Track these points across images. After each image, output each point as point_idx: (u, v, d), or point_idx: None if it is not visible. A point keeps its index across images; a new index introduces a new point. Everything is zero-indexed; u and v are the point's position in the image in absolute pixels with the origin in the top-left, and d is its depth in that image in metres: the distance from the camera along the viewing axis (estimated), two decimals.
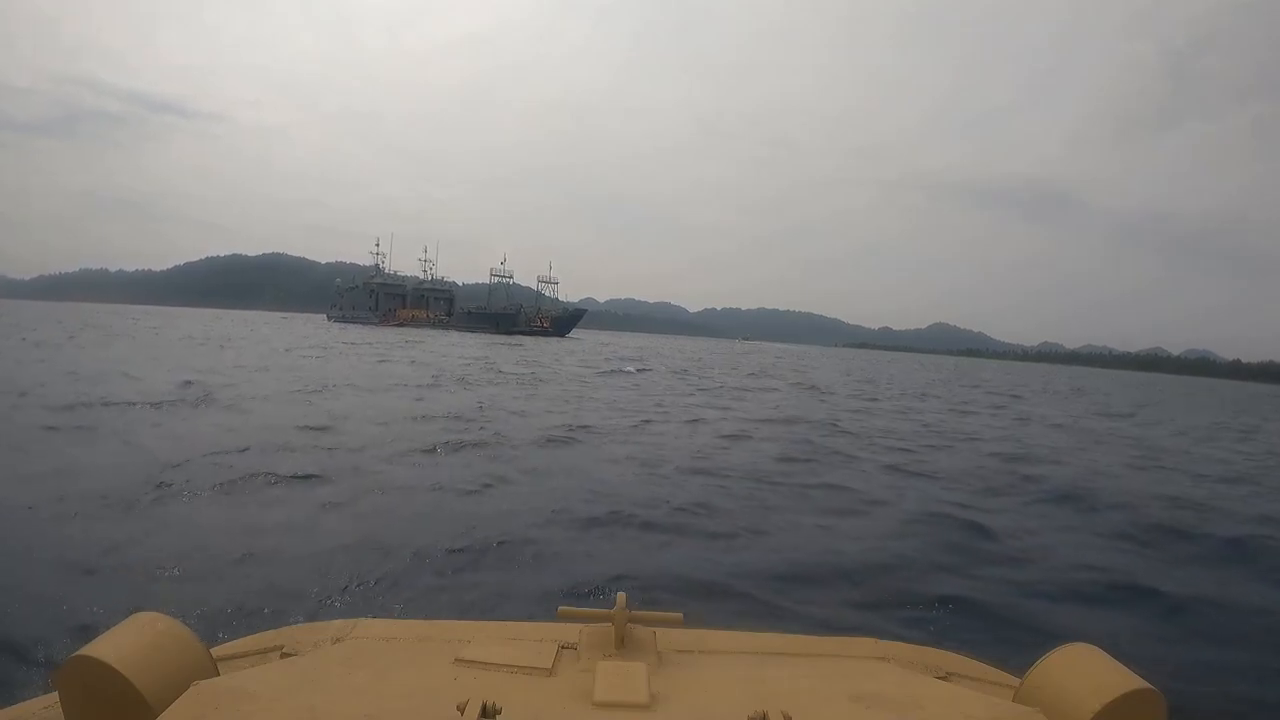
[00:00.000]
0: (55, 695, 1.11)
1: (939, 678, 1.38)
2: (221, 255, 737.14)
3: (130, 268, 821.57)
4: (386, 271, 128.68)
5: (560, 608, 1.39)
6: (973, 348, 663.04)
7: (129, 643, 1.10)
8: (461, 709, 0.99)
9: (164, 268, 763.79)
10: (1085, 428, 19.92)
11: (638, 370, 33.34)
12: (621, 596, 1.36)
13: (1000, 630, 4.53)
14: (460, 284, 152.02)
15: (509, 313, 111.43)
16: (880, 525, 7.08)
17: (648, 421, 14.15)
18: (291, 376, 19.28)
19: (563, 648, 1.34)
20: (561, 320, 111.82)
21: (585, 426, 12.70)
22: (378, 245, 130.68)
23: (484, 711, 0.99)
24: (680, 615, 1.41)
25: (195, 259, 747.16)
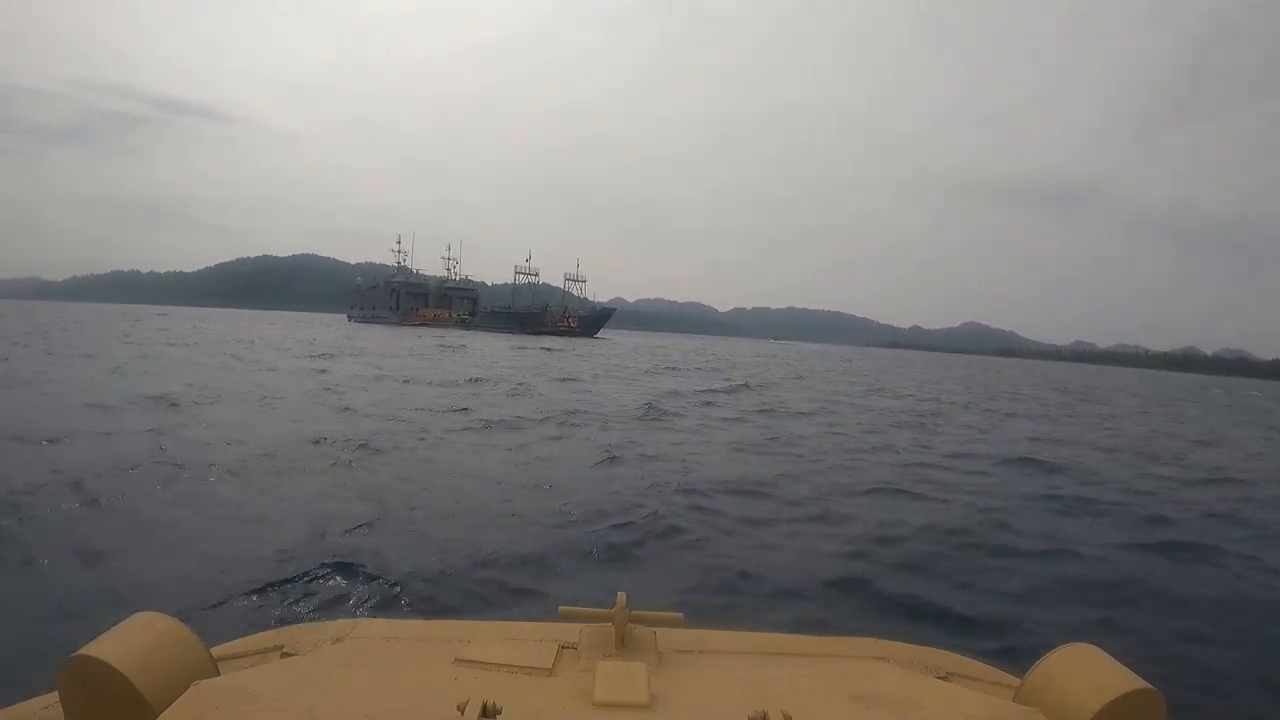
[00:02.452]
0: (55, 695, 1.11)
1: (939, 678, 1.38)
2: (252, 256, 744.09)
3: (162, 269, 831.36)
4: (408, 269, 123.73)
5: (561, 607, 1.39)
6: (1005, 347, 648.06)
7: (129, 642, 1.11)
8: (462, 709, 0.99)
9: (195, 269, 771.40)
10: None
11: (727, 388, 23.94)
12: (622, 596, 1.35)
13: None
14: (489, 284, 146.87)
15: (534, 312, 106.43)
16: None
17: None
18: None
19: (563, 648, 1.33)
20: (590, 319, 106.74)
21: None
22: (398, 243, 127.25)
23: (484, 711, 0.99)
24: (680, 615, 1.41)
25: (226, 260, 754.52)
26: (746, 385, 25.68)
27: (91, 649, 1.08)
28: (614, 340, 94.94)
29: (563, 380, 23.37)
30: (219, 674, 1.17)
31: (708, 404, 18.29)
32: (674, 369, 34.53)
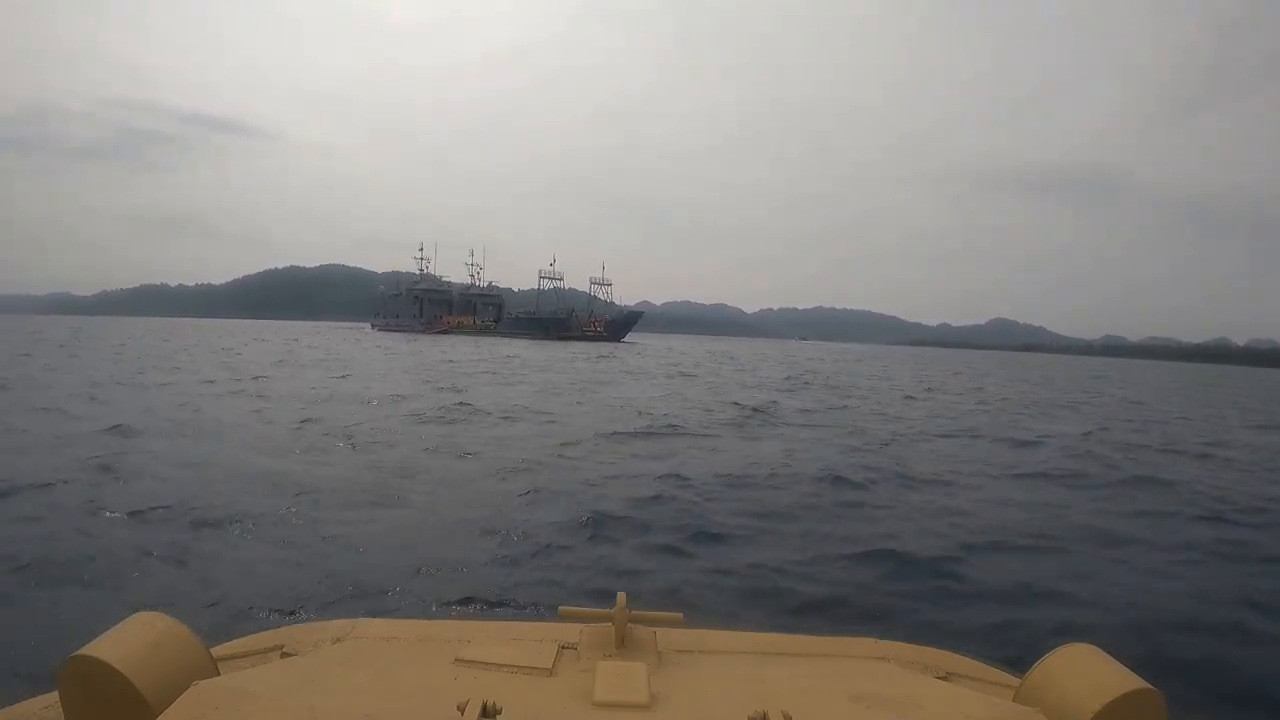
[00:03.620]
0: (55, 695, 1.12)
1: (939, 678, 1.38)
2: (280, 268, 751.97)
3: (190, 282, 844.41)
4: (431, 276, 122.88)
5: (561, 607, 1.40)
6: (1033, 343, 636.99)
7: (129, 642, 1.11)
8: (462, 709, 0.99)
9: (223, 281, 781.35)
10: None
11: (786, 399, 21.21)
12: (622, 596, 1.35)
13: None
14: (516, 290, 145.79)
15: (559, 317, 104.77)
16: None
17: None
18: None
19: (563, 648, 1.33)
20: (616, 323, 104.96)
21: None
22: (421, 250, 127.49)
23: (484, 711, 0.99)
24: (680, 615, 1.42)
25: (254, 272, 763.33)
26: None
27: (91, 649, 1.08)
28: (639, 344, 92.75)
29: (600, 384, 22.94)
30: (219, 674, 1.17)
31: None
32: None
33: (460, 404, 16.19)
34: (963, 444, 13.36)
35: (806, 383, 30.30)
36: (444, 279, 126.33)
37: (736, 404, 18.50)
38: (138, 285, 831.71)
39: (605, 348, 71.61)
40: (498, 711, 0.99)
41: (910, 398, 24.52)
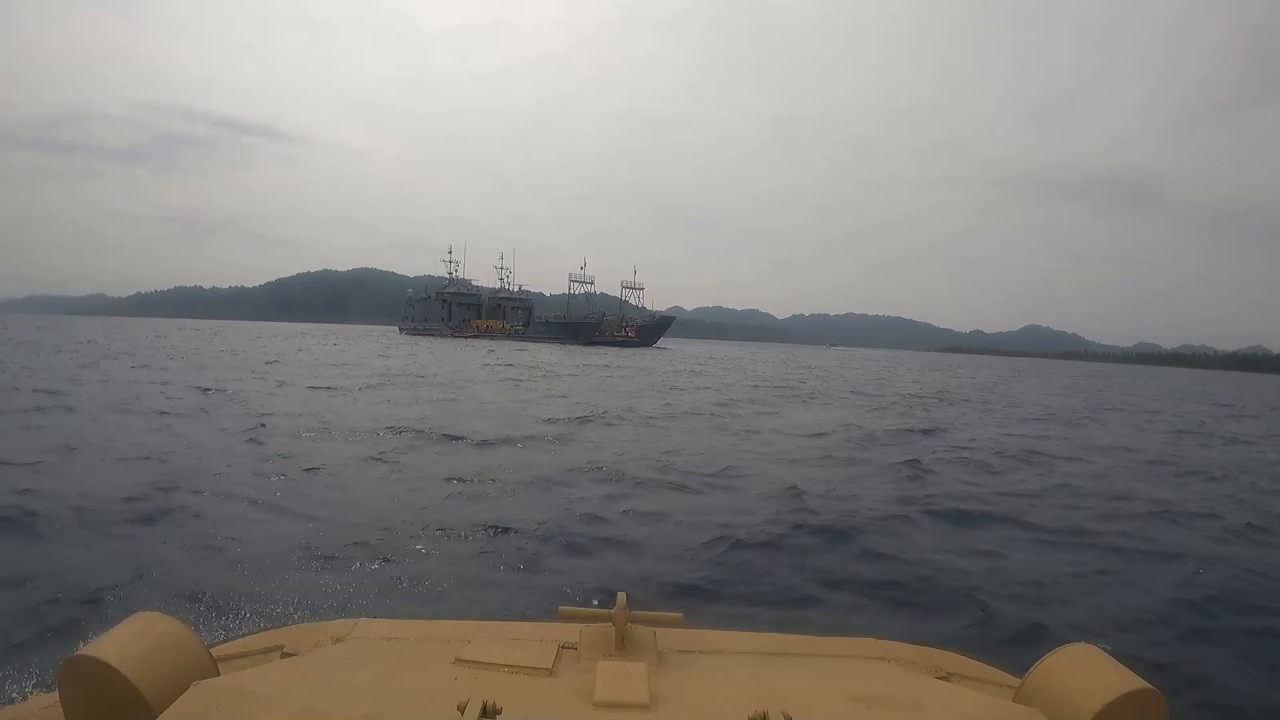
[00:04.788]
0: (55, 695, 1.13)
1: (939, 678, 1.38)
2: (313, 271, 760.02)
3: (224, 284, 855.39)
4: (459, 279, 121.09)
5: (560, 608, 1.40)
6: (1067, 349, 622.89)
7: (129, 643, 1.11)
8: (462, 709, 0.98)
9: (257, 284, 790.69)
10: None
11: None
12: (622, 596, 1.35)
13: None
14: (547, 295, 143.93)
15: (589, 321, 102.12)
16: None
17: None
18: None
19: (563, 648, 1.33)
20: (647, 329, 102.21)
21: None
22: (450, 254, 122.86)
23: (484, 711, 0.98)
24: (680, 615, 1.42)
25: (286, 275, 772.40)
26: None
27: (91, 649, 1.08)
28: (671, 349, 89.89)
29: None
30: (219, 674, 1.17)
31: None
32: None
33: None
34: None
35: (966, 398, 26.86)
36: (474, 282, 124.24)
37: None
38: (171, 287, 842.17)
39: (644, 354, 68.62)
40: (498, 711, 0.99)
41: (1181, 433, 18.42)
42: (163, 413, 12.63)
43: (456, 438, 11.28)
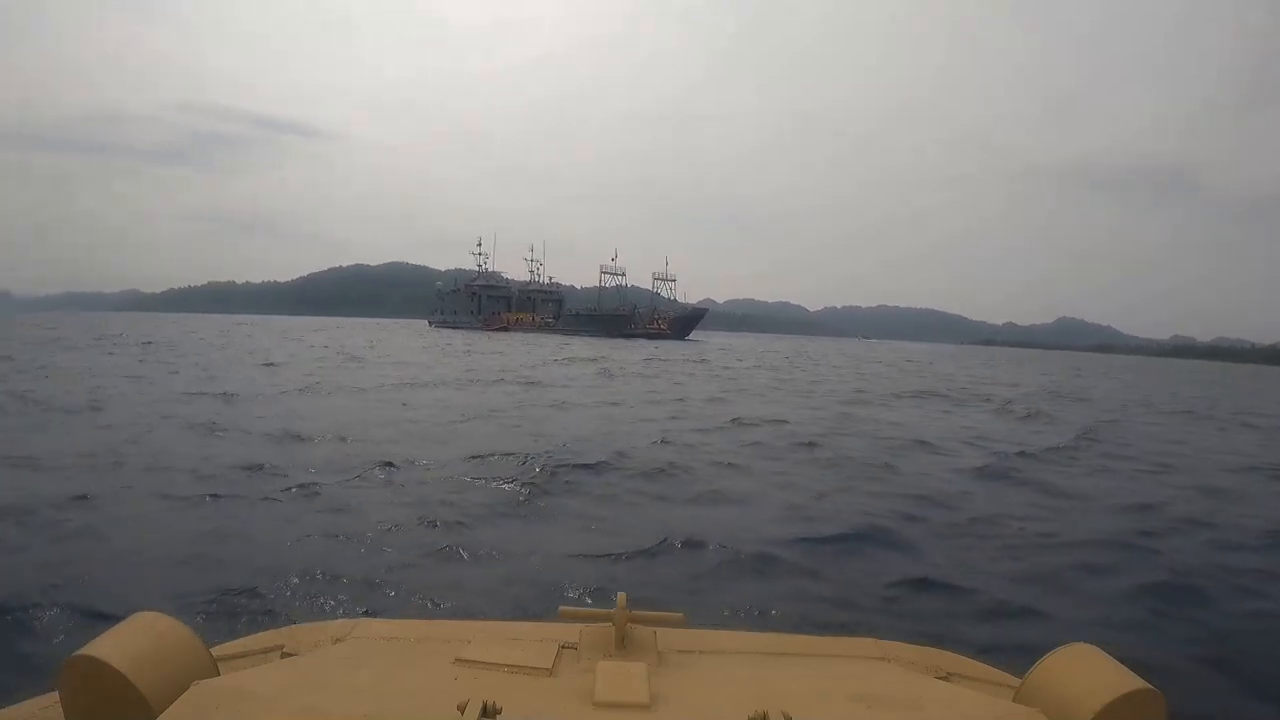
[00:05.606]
0: (55, 695, 1.12)
1: (939, 678, 1.37)
2: (345, 266, 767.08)
3: (256, 280, 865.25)
4: (489, 272, 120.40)
5: (561, 608, 1.39)
6: (1103, 343, 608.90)
7: (129, 643, 1.11)
8: (462, 709, 0.98)
9: (289, 279, 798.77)
10: None
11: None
12: (622, 596, 1.34)
13: None
14: (578, 287, 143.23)
15: (621, 314, 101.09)
16: None
17: None
18: None
19: (563, 648, 1.32)
20: (681, 321, 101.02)
21: None
22: (479, 246, 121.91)
23: (484, 711, 0.98)
24: (681, 615, 1.41)
25: (319, 270, 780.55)
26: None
27: (91, 649, 1.08)
28: (705, 342, 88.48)
29: None
30: (219, 674, 1.17)
31: None
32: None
33: None
34: None
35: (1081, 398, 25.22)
36: (505, 275, 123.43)
37: None
38: (205, 283, 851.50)
39: (683, 346, 67.25)
40: (498, 711, 0.98)
41: None
42: None
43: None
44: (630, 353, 47.64)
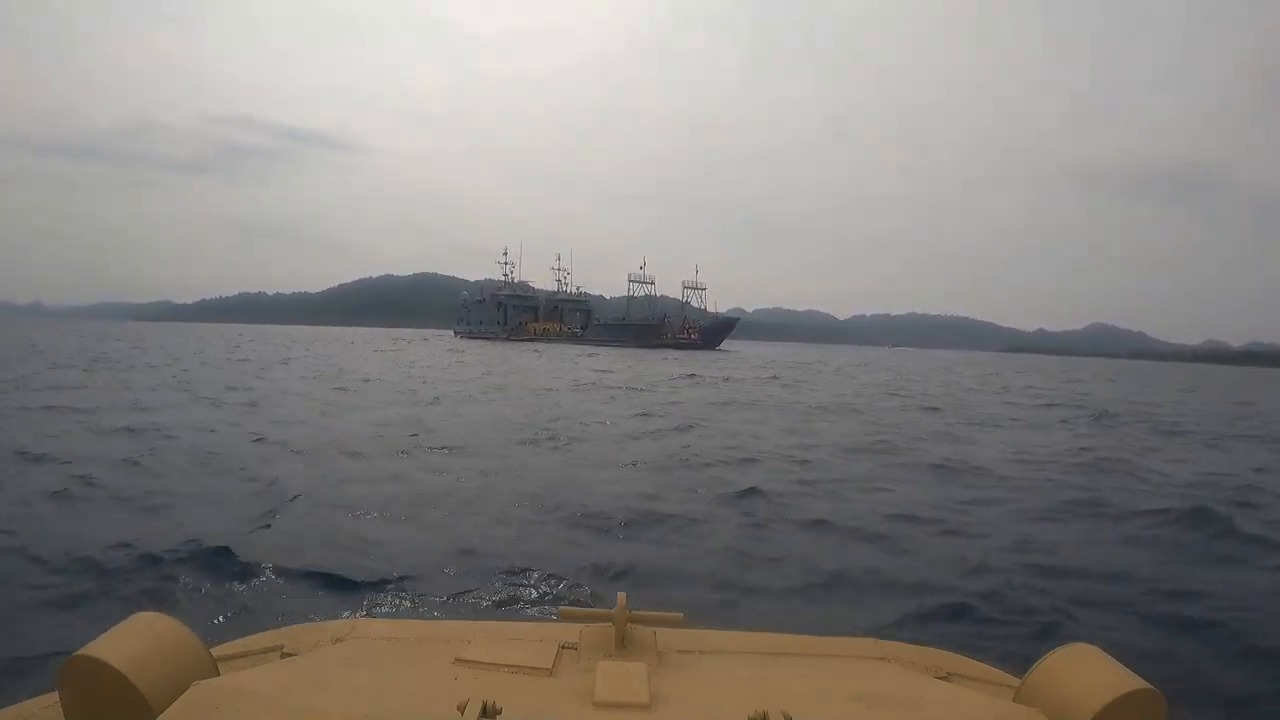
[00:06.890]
0: (55, 695, 1.12)
1: (939, 678, 1.36)
2: (374, 276, 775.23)
3: (287, 290, 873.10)
4: (516, 281, 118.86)
5: (561, 608, 1.43)
6: (1134, 349, 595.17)
7: (129, 643, 1.11)
8: (462, 709, 0.98)
9: (319, 290, 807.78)
10: None
11: None
12: (622, 596, 1.34)
13: None
14: (606, 297, 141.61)
15: (650, 323, 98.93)
16: None
17: None
18: None
19: (563, 648, 1.31)
20: (711, 330, 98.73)
21: None
22: (505, 255, 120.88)
23: (484, 711, 0.97)
24: (681, 615, 1.39)
25: (349, 280, 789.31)
26: None
27: (91, 649, 1.08)
28: (738, 352, 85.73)
29: None
30: (219, 674, 1.17)
31: None
32: None
33: None
34: None
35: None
36: (532, 284, 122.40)
37: None
38: (236, 293, 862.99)
39: (717, 358, 64.42)
40: (498, 711, 0.98)
41: None
42: None
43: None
44: (660, 365, 44.55)
